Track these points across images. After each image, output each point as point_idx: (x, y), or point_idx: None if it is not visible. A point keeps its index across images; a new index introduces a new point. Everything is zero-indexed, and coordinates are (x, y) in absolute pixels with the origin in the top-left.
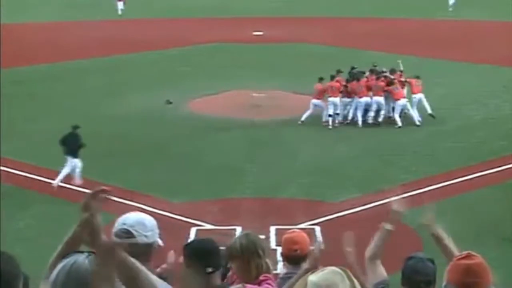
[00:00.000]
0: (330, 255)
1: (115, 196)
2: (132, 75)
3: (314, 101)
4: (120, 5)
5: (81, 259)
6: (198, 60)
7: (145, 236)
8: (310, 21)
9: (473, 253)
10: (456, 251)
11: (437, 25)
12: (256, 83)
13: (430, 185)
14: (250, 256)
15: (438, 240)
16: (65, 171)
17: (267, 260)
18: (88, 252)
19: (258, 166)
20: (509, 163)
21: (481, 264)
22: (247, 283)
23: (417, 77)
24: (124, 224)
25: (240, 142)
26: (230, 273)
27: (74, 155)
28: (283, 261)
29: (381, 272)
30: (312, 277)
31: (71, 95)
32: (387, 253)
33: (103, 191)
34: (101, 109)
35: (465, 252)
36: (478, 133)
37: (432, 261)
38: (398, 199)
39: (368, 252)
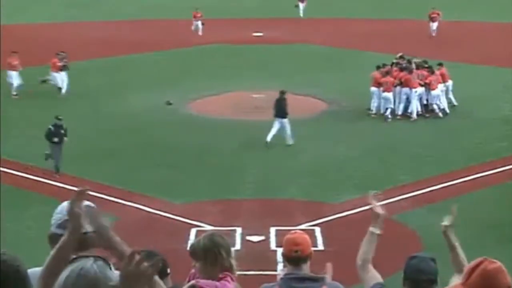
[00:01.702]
0: (331, 256)
1: (91, 191)
2: (132, 76)
3: (372, 89)
4: (199, 24)
5: (89, 264)
6: (198, 61)
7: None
8: (310, 22)
9: (490, 258)
10: (465, 261)
11: (437, 25)
12: (256, 84)
13: (430, 186)
14: (213, 257)
15: (450, 246)
16: (273, 130)
17: (231, 260)
18: (94, 256)
19: (258, 166)
20: (509, 164)
21: (501, 268)
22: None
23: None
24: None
25: (240, 143)
26: (192, 271)
27: (282, 116)
28: (284, 261)
29: (375, 275)
30: None
31: (71, 95)
32: (387, 254)
33: (83, 192)
34: (101, 109)
35: (481, 258)
36: (478, 134)
37: (434, 261)
38: (378, 201)
39: (359, 259)
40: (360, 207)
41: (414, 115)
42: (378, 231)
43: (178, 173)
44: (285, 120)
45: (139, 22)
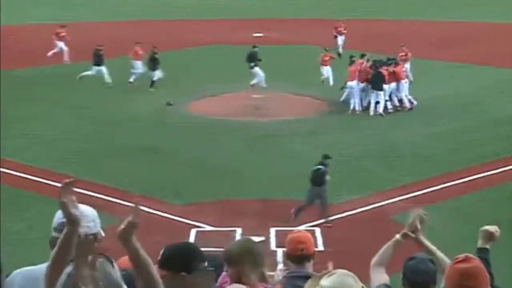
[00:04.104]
0: (331, 256)
1: (77, 186)
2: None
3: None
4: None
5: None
6: (198, 61)
7: (87, 227)
8: (310, 23)
9: (471, 255)
10: (446, 258)
11: (437, 26)
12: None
13: (430, 187)
14: (248, 265)
15: (427, 251)
16: (372, 102)
17: (263, 269)
18: (97, 254)
19: (258, 167)
20: (509, 164)
21: (478, 268)
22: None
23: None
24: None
25: (240, 144)
26: (223, 274)
27: (380, 88)
28: (287, 260)
29: (383, 276)
30: (324, 282)
31: (71, 96)
32: None
33: (68, 183)
34: (102, 110)
35: (463, 255)
36: (478, 134)
37: (433, 262)
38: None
39: (374, 259)
40: (360, 207)
41: (407, 104)
42: (401, 240)
43: (178, 174)
44: (381, 92)
45: (139, 22)
